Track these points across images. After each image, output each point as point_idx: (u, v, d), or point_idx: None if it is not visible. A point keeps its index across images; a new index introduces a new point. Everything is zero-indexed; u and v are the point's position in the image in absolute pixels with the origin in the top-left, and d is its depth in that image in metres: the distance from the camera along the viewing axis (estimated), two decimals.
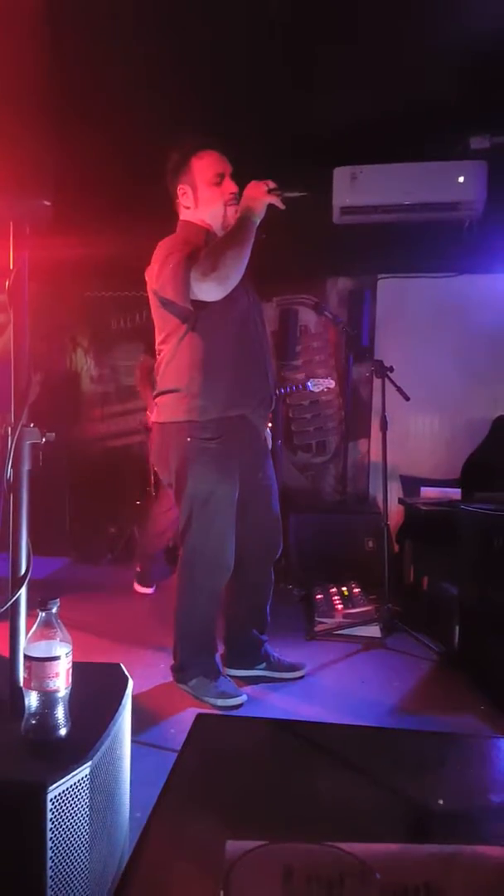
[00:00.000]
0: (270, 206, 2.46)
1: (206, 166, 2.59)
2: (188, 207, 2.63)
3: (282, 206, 2.44)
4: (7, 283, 1.47)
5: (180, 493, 2.59)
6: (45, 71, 1.53)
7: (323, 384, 4.48)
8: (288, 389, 4.57)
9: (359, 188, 4.30)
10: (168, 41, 3.13)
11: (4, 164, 1.41)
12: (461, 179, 4.17)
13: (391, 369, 3.62)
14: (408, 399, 3.55)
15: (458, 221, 4.42)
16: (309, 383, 4.48)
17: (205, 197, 2.60)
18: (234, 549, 2.63)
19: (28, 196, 1.38)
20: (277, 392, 4.34)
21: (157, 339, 2.65)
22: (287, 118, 3.82)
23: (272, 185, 2.43)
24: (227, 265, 2.36)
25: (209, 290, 2.38)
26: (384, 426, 3.58)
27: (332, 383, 4.52)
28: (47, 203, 1.39)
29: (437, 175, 4.20)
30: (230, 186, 2.59)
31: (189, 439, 2.53)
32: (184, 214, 2.68)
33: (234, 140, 3.70)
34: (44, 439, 1.48)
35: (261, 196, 2.43)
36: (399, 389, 3.57)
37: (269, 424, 3.49)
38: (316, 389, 4.53)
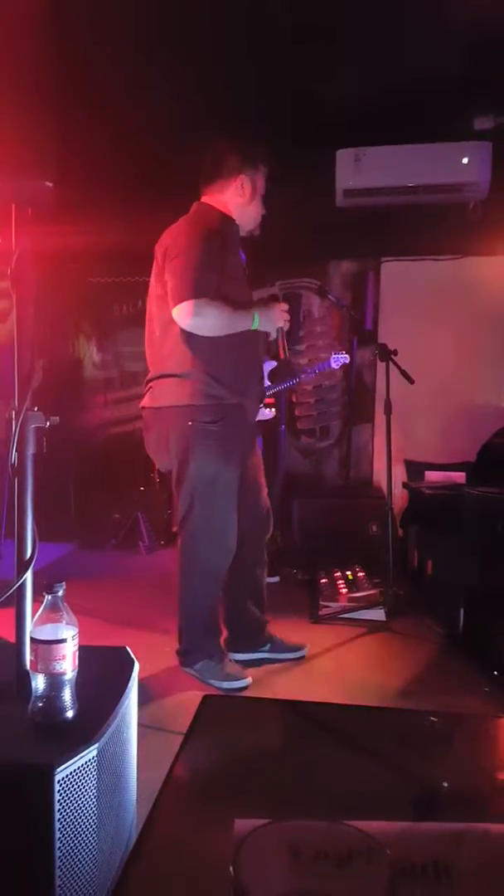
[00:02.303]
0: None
1: (265, 180, 2.74)
2: (238, 196, 2.69)
3: (273, 337, 2.69)
4: (10, 268, 1.46)
5: (182, 478, 2.60)
6: (48, 56, 1.52)
7: (341, 359, 4.37)
8: (316, 370, 4.48)
9: (362, 170, 4.27)
10: (169, 23, 3.10)
11: (6, 146, 1.39)
12: (465, 160, 4.13)
13: (395, 352, 3.61)
14: (412, 382, 3.53)
15: (463, 203, 4.39)
16: (331, 360, 4.38)
17: (253, 203, 2.71)
18: (236, 530, 2.66)
19: (30, 177, 1.37)
20: (302, 375, 4.37)
21: (155, 324, 2.64)
22: (289, 100, 3.79)
23: (287, 327, 2.68)
24: (214, 326, 2.49)
25: (181, 323, 2.47)
26: (388, 410, 3.56)
27: (346, 358, 4.40)
28: (49, 184, 1.37)
29: (440, 156, 4.17)
30: (264, 208, 2.76)
31: (190, 423, 2.54)
32: (207, 195, 2.71)
33: (236, 122, 3.67)
34: (48, 423, 1.48)
35: (275, 325, 2.64)
36: (403, 373, 3.55)
37: (273, 410, 3.49)
38: (336, 366, 4.42)
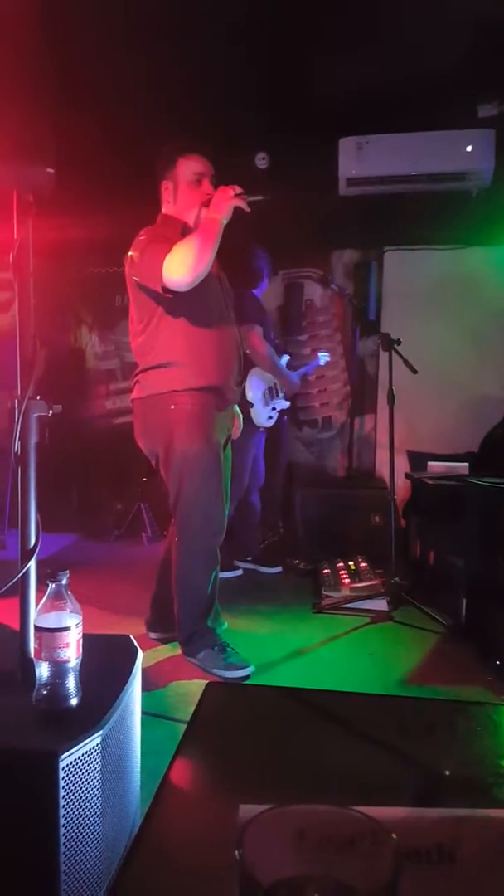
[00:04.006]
0: (237, 209, 2.59)
1: (189, 166, 2.74)
2: (168, 202, 2.78)
3: (247, 209, 2.59)
4: (11, 255, 1.45)
5: (168, 462, 2.69)
6: (48, 42, 1.50)
7: (325, 357, 4.63)
8: (309, 370, 4.63)
9: (365, 159, 4.24)
10: (170, 12, 3.08)
11: (5, 133, 1.38)
12: (469, 148, 4.10)
13: (398, 342, 3.59)
14: (415, 372, 3.52)
15: (466, 192, 4.36)
16: (318, 358, 4.59)
17: (183, 195, 2.74)
18: (224, 510, 2.74)
19: (30, 164, 1.36)
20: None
21: (136, 324, 2.75)
22: (291, 88, 3.76)
23: (238, 189, 2.58)
24: (191, 259, 2.48)
25: (176, 283, 2.50)
26: (391, 400, 3.55)
27: (328, 356, 4.69)
28: (50, 170, 1.37)
29: (444, 144, 4.14)
30: (207, 189, 2.72)
31: (173, 407, 2.65)
32: (165, 208, 2.81)
33: (238, 111, 3.65)
34: (50, 412, 1.47)
35: (227, 199, 2.56)
36: (406, 362, 3.54)
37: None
38: (323, 363, 4.63)
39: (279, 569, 4.21)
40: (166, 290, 2.52)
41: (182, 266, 2.47)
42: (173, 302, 2.60)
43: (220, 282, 2.80)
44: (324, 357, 4.64)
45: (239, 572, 4.05)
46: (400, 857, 0.55)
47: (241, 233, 2.79)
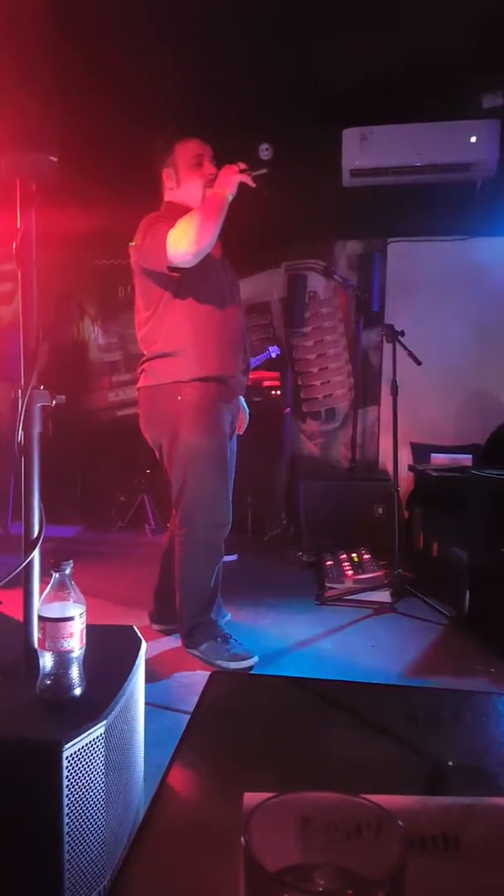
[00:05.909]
0: (242, 185, 2.60)
1: (187, 149, 2.74)
2: (172, 188, 2.77)
3: (252, 184, 2.60)
4: (14, 244, 1.44)
5: (173, 453, 2.68)
6: (52, 28, 1.49)
7: (274, 350, 4.76)
8: (259, 360, 4.70)
9: (369, 149, 4.23)
10: (171, 3, 3.06)
11: (9, 121, 1.37)
12: (473, 139, 4.09)
13: (402, 333, 3.58)
14: (419, 363, 3.51)
15: (470, 182, 4.34)
16: (271, 350, 4.74)
17: (186, 177, 2.74)
18: (230, 502, 2.73)
19: (33, 152, 1.35)
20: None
21: (141, 313, 2.73)
22: (295, 78, 3.74)
23: (243, 166, 2.60)
24: (194, 231, 2.47)
25: (181, 256, 2.49)
26: (394, 391, 3.55)
27: (278, 349, 4.83)
28: (54, 159, 1.36)
29: (448, 135, 4.12)
30: (209, 168, 2.72)
31: (179, 398, 2.63)
32: (168, 196, 2.80)
33: (241, 101, 3.63)
34: (54, 402, 1.47)
35: (233, 175, 2.57)
36: (410, 354, 3.53)
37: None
38: (274, 355, 4.75)
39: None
40: (172, 268, 2.50)
41: (185, 238, 2.45)
42: (179, 285, 2.58)
43: (224, 268, 2.78)
44: (274, 350, 4.71)
45: (234, 557, 4.06)
46: (406, 844, 0.54)
47: (245, 222, 2.80)
